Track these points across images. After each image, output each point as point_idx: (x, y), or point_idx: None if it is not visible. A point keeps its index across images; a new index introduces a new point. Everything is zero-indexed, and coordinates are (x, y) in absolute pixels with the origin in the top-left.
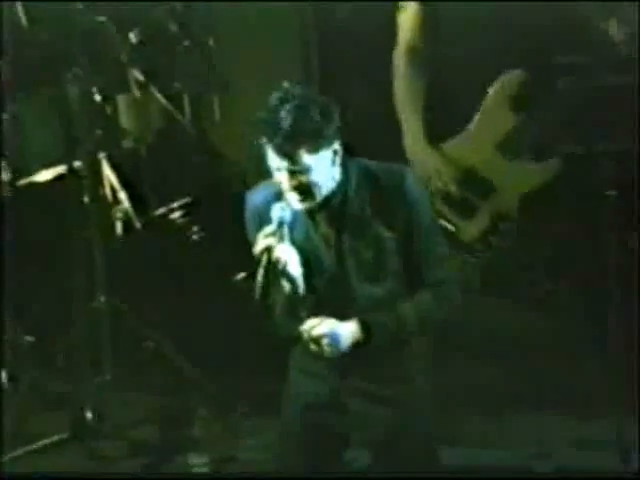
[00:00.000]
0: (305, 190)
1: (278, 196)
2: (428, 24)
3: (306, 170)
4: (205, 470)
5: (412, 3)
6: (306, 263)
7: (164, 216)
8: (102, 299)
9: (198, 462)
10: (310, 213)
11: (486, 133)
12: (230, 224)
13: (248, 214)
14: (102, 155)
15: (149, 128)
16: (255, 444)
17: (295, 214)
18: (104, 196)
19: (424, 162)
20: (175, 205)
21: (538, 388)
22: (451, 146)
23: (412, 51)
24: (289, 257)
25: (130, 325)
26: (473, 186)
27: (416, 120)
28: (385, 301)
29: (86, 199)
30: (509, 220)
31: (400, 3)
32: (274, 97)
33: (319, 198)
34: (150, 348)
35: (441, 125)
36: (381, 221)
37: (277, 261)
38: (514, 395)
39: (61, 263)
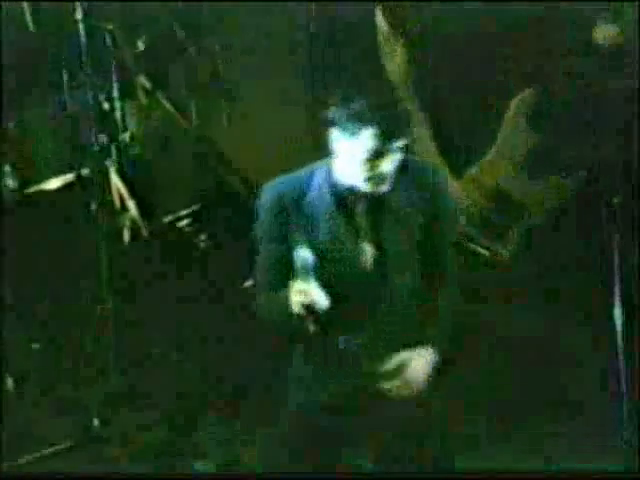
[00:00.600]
0: (384, 177)
1: (308, 186)
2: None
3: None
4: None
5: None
6: (338, 261)
7: (171, 224)
8: (109, 305)
9: (203, 467)
10: (348, 208)
11: (508, 153)
12: (238, 231)
13: (268, 204)
14: (109, 162)
15: (156, 135)
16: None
17: (317, 222)
18: (112, 203)
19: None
20: (183, 213)
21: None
22: (478, 169)
23: (408, 76)
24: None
25: (136, 331)
26: (500, 207)
27: (432, 152)
28: (414, 292)
29: (94, 206)
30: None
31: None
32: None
33: (388, 186)
34: (155, 354)
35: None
36: (413, 211)
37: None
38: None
39: (68, 270)
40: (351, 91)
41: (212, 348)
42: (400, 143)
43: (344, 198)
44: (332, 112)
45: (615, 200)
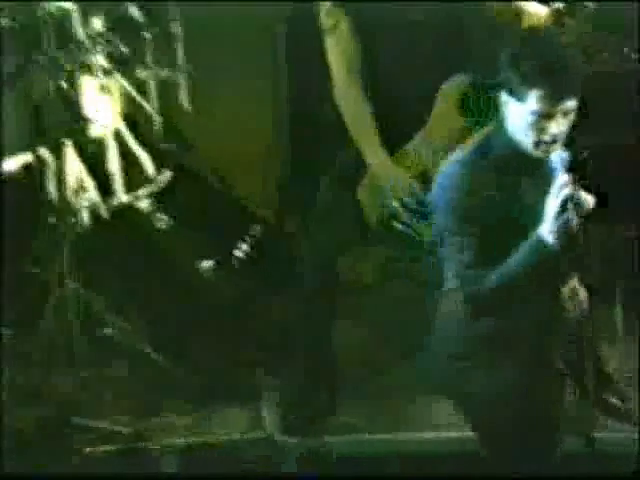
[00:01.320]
0: (554, 140)
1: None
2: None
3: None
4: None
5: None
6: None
7: (131, 204)
8: (71, 287)
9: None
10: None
11: (439, 137)
12: (198, 213)
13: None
14: (67, 142)
15: (115, 115)
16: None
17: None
18: (70, 184)
19: (387, 175)
20: (142, 193)
21: None
22: (406, 153)
23: (351, 70)
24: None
25: (98, 313)
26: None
27: (370, 133)
28: None
29: (51, 188)
30: None
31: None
32: (532, 42)
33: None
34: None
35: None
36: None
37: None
38: None
39: (29, 253)
40: (520, 51)
41: (172, 328)
42: (570, 104)
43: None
44: (500, 74)
45: None
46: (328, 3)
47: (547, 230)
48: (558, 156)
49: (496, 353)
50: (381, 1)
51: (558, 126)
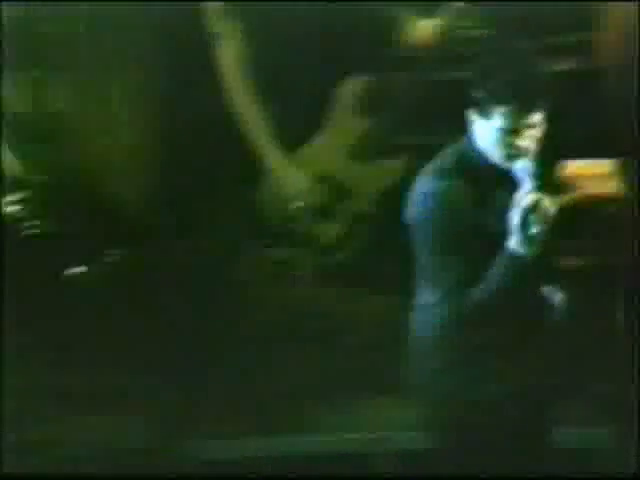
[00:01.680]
0: (521, 152)
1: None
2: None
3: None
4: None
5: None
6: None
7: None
8: None
9: None
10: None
11: (337, 138)
12: (70, 215)
13: (447, 198)
14: None
15: None
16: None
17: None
18: None
19: (285, 177)
20: (10, 198)
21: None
22: (306, 155)
23: (245, 74)
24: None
25: None
26: (328, 190)
27: (266, 136)
28: None
29: None
30: (365, 222)
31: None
32: (497, 56)
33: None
34: None
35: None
36: None
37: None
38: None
39: None
40: (485, 68)
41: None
42: (535, 119)
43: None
44: (470, 92)
45: None
46: (218, 6)
47: (515, 241)
48: (522, 165)
49: (482, 364)
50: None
51: (525, 140)
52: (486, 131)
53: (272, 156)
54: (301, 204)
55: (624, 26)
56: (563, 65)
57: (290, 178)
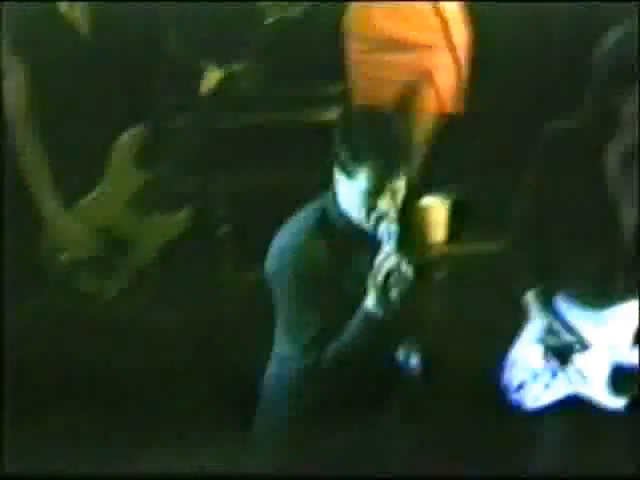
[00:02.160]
0: (385, 214)
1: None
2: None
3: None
4: None
5: None
6: None
7: None
8: None
9: None
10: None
11: (116, 191)
12: None
13: (305, 263)
14: None
15: None
16: None
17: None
18: None
19: (61, 226)
20: None
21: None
22: (83, 206)
23: (26, 115)
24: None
25: None
26: (109, 245)
27: (44, 184)
28: None
29: None
30: (146, 276)
31: None
32: (364, 119)
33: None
34: None
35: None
36: None
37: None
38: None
39: None
40: (349, 129)
41: None
42: (399, 183)
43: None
44: (334, 150)
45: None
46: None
47: (371, 302)
48: (385, 228)
49: (334, 416)
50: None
51: (388, 203)
52: (349, 191)
53: (48, 205)
54: (75, 255)
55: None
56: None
57: (65, 229)
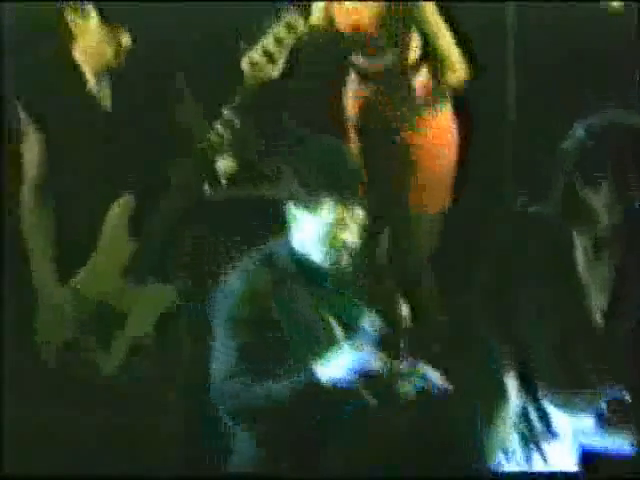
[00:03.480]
0: (347, 248)
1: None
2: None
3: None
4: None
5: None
6: None
7: None
8: None
9: None
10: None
11: (110, 262)
12: None
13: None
14: None
15: None
16: None
17: None
18: None
19: (56, 302)
20: None
21: None
22: (79, 280)
23: (39, 187)
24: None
25: None
26: (106, 318)
27: (44, 259)
28: None
29: None
30: (142, 349)
31: None
32: (324, 149)
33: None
34: None
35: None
36: None
37: None
38: None
39: None
40: (303, 164)
41: None
42: (360, 212)
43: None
44: (284, 185)
45: None
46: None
47: (325, 373)
48: (369, 321)
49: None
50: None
51: (352, 235)
52: (309, 226)
53: (45, 278)
54: (70, 335)
55: None
56: None
57: (61, 307)
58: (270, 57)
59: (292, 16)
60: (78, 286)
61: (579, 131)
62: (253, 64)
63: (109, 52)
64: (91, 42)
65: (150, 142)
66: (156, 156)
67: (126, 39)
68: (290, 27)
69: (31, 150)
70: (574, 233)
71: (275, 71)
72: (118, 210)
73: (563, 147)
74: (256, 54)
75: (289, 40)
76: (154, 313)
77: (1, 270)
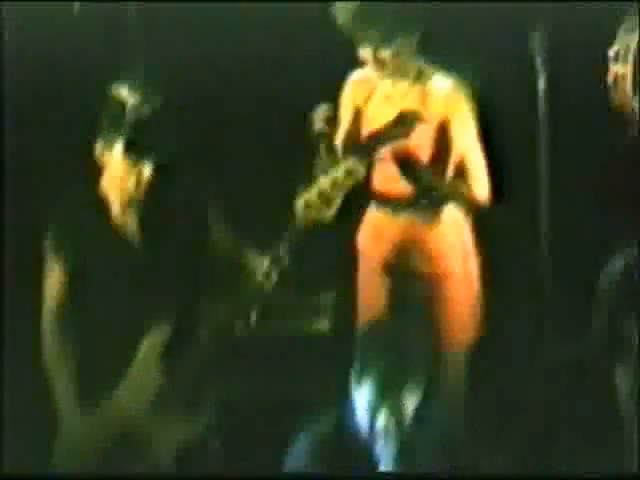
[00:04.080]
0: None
1: None
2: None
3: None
4: None
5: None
6: None
7: None
8: None
9: None
10: None
11: (138, 391)
12: None
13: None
14: None
15: None
16: None
17: None
18: None
19: (80, 429)
20: None
21: None
22: (103, 404)
23: (61, 314)
24: None
25: None
26: (130, 446)
27: (67, 387)
28: None
29: None
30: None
31: None
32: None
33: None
34: None
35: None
36: None
37: None
38: None
39: None
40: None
41: None
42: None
43: None
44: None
45: None
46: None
47: None
48: (383, 447)
49: None
50: None
51: (387, 419)
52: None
53: (68, 409)
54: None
55: None
56: None
57: (82, 436)
58: (326, 200)
59: (353, 161)
60: (107, 410)
61: (617, 264)
62: (308, 206)
63: (131, 183)
64: (115, 174)
65: (183, 273)
66: (190, 287)
67: (147, 170)
68: (350, 173)
69: (53, 281)
70: (613, 369)
71: (329, 213)
72: (150, 341)
73: (601, 281)
74: (312, 196)
75: (347, 184)
76: (178, 443)
77: None
